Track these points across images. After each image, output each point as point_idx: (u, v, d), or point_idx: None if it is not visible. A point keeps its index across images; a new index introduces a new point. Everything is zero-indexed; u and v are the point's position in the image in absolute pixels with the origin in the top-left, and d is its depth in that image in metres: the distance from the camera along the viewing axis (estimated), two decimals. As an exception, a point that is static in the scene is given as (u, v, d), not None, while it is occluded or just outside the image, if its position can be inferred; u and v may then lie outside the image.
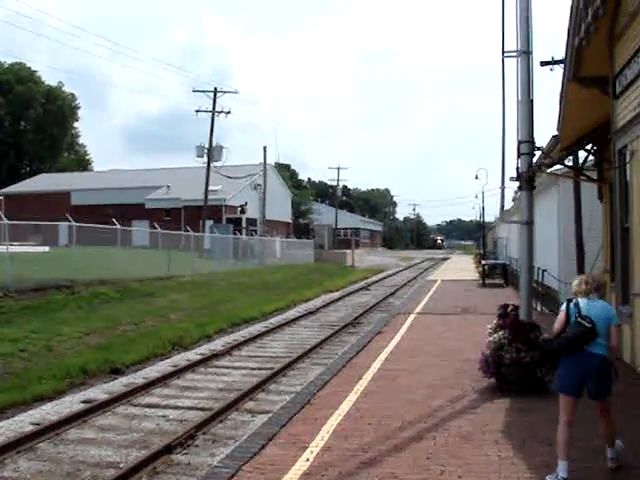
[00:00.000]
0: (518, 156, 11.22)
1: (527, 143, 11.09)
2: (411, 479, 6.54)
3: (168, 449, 8.93)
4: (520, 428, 8.25)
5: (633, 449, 7.11)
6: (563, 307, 6.80)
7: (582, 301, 6.65)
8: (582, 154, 19.44)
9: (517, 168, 11.29)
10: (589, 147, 18.88)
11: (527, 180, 11.22)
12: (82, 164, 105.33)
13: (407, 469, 6.81)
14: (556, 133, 17.25)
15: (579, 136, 17.56)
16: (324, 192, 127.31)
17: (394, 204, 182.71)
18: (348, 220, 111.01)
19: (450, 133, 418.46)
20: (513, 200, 45.16)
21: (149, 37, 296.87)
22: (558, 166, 20.75)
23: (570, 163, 20.09)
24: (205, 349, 17.33)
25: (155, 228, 37.36)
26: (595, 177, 19.04)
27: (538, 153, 12.98)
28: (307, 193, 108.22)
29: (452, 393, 10.07)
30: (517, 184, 11.93)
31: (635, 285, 11.53)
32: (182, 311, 23.36)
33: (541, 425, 8.27)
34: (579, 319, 6.51)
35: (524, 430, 8.14)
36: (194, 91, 55.20)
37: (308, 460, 7.11)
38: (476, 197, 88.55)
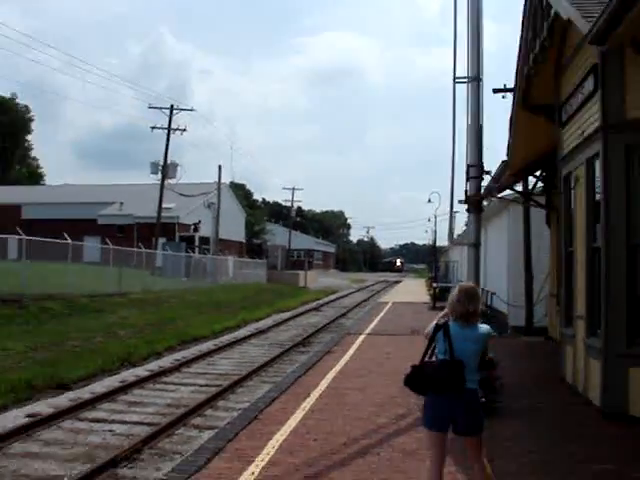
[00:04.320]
0: (467, 180, 11.49)
1: (476, 167, 11.36)
2: (354, 492, 6.64)
3: (113, 463, 8.87)
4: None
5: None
6: (431, 328, 5.91)
7: (454, 329, 5.79)
8: (532, 180, 19.98)
9: (466, 191, 11.55)
10: (538, 173, 19.39)
11: (475, 203, 11.49)
12: (34, 177, 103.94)
13: (351, 483, 6.92)
14: (506, 159, 17.68)
15: (528, 162, 18.01)
16: (278, 213, 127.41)
17: (348, 226, 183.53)
18: (302, 241, 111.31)
19: (404, 156, 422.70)
20: (466, 225, 45.90)
21: (104, 50, 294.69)
22: (509, 191, 21.25)
23: (520, 188, 20.59)
24: (154, 365, 17.21)
25: (107, 244, 37.06)
26: (543, 203, 19.52)
27: (487, 177, 13.29)
28: (261, 213, 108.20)
29: (398, 411, 10.22)
30: (466, 212, 12.19)
31: (577, 308, 11.85)
32: (132, 328, 23.18)
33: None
34: (448, 358, 5.72)
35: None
36: (150, 107, 55.14)
37: (253, 474, 7.16)
38: (429, 220, 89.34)
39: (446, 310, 5.92)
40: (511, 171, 18.18)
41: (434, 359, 5.90)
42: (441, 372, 5.71)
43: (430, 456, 6.05)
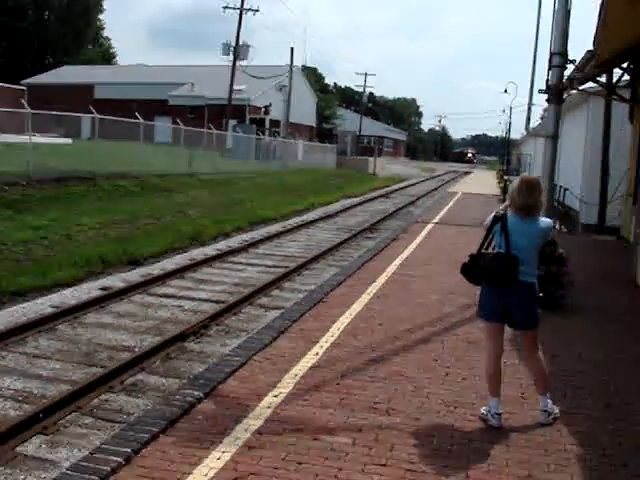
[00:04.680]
0: (549, 68, 10.99)
1: (560, 55, 10.83)
2: (417, 378, 6.70)
3: (182, 337, 9.15)
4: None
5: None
6: (489, 220, 5.74)
7: (513, 221, 5.56)
8: (617, 72, 19.00)
9: (547, 80, 11.08)
10: (625, 65, 18.41)
11: (556, 93, 11.02)
12: (106, 57, 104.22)
13: (413, 368, 6.98)
14: (591, 48, 16.82)
15: (616, 53, 17.08)
16: (350, 98, 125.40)
17: (419, 114, 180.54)
18: (372, 127, 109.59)
19: (480, 45, 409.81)
20: (541, 118, 44.61)
21: None
22: (590, 84, 20.32)
23: (604, 81, 19.65)
24: (222, 245, 17.50)
25: (178, 125, 37.23)
26: (627, 97, 18.65)
27: (570, 67, 12.68)
28: (332, 98, 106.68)
29: (463, 300, 10.16)
30: (546, 102, 11.73)
31: (656, 206, 11.46)
32: (201, 208, 23.54)
33: (545, 339, 8.33)
34: (504, 252, 5.56)
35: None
36: (222, -14, 54.04)
37: (317, 354, 7.28)
38: (503, 111, 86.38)
39: (507, 202, 5.71)
40: (597, 61, 17.31)
41: (491, 250, 5.76)
42: (494, 265, 5.56)
43: (487, 347, 5.95)
